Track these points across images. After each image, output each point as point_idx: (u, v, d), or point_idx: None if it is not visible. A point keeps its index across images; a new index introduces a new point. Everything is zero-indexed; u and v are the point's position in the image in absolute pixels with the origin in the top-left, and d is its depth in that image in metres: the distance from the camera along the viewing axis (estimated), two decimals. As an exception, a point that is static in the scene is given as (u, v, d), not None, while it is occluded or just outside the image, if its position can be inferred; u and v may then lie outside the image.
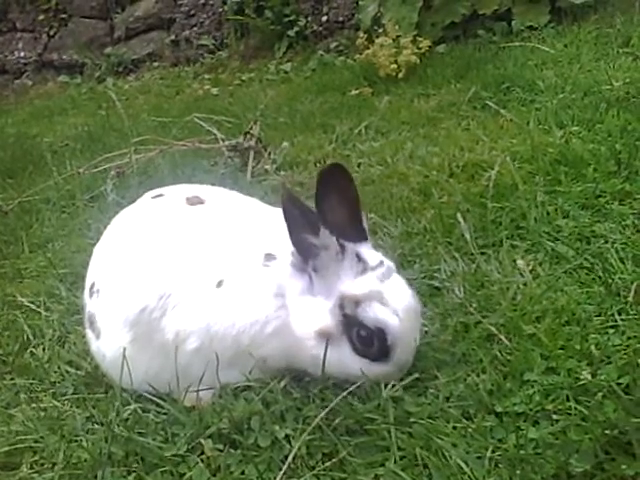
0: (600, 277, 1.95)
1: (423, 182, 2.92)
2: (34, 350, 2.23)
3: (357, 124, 3.95)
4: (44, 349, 2.23)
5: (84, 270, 2.03)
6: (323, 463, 1.50)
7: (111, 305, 1.84)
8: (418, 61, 4.90)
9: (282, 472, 1.47)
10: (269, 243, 1.75)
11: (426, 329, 1.82)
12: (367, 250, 1.69)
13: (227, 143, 3.78)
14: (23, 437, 1.76)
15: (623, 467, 1.30)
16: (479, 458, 1.41)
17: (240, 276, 1.72)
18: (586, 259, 2.06)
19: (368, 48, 5.13)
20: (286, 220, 1.61)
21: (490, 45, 5.09)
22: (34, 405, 1.91)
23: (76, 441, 1.72)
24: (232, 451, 1.57)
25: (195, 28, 7.77)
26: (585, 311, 1.82)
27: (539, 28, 5.08)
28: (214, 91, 6.44)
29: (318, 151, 3.74)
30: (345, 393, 1.59)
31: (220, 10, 7.53)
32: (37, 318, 2.44)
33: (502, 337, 1.77)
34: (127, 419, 1.74)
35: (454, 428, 1.51)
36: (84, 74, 8.31)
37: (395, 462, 1.46)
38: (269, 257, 1.73)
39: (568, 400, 1.51)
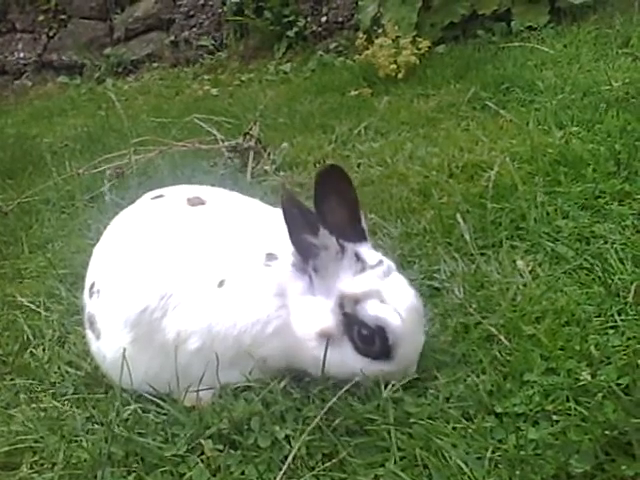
0: (600, 277, 1.95)
1: (423, 183, 2.92)
2: (34, 350, 2.23)
3: (357, 124, 3.95)
4: (44, 349, 2.23)
5: (84, 270, 2.03)
6: (323, 463, 1.50)
7: (111, 305, 1.84)
8: (417, 61, 4.90)
9: (282, 472, 1.47)
10: (270, 243, 1.75)
11: (426, 330, 1.82)
12: (366, 250, 1.70)
13: (227, 144, 3.78)
14: (23, 437, 1.76)
15: (623, 468, 1.30)
16: (479, 459, 1.41)
17: (241, 276, 1.73)
18: (586, 260, 2.06)
19: (367, 49, 5.13)
20: (286, 221, 1.61)
21: (489, 45, 5.10)
22: (34, 405, 1.91)
23: (76, 441, 1.72)
24: (232, 451, 1.57)
25: (194, 29, 7.77)
26: (585, 312, 1.82)
27: (538, 28, 5.08)
28: (214, 92, 6.44)
29: (317, 151, 3.74)
30: (342, 391, 1.59)
31: (219, 11, 7.53)
32: (37, 318, 2.44)
33: (502, 338, 1.77)
34: (127, 419, 1.74)
35: (454, 429, 1.51)
36: (84, 75, 8.31)
37: (395, 463, 1.46)
38: (270, 257, 1.73)
39: (568, 401, 1.51)
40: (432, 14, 5.38)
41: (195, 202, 1.92)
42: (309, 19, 6.93)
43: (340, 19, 6.85)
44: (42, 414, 1.86)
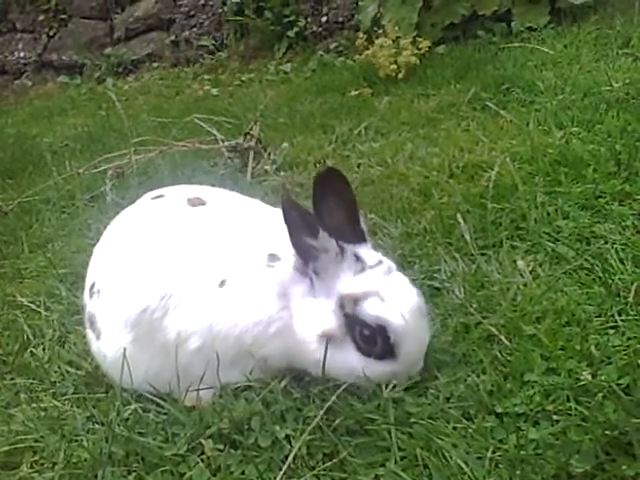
0: (600, 278, 1.95)
1: (423, 183, 2.92)
2: (34, 350, 2.23)
3: (357, 125, 3.95)
4: (44, 349, 2.23)
5: (84, 270, 2.03)
6: (323, 463, 1.50)
7: (112, 305, 1.84)
8: (418, 62, 4.91)
9: (282, 472, 1.48)
10: (273, 244, 1.75)
11: (431, 328, 1.82)
12: (366, 251, 1.70)
13: (227, 144, 3.78)
14: (23, 437, 1.76)
15: (623, 468, 1.30)
16: (479, 458, 1.42)
17: (243, 276, 1.73)
18: (586, 260, 2.06)
19: (368, 49, 5.14)
20: (286, 223, 1.61)
21: (490, 46, 5.10)
22: (34, 405, 1.91)
23: (76, 441, 1.72)
24: (232, 451, 1.58)
25: (195, 29, 7.77)
26: (585, 312, 1.82)
27: (539, 29, 5.08)
28: (214, 92, 6.44)
29: (318, 152, 3.74)
30: (341, 390, 1.59)
31: (220, 11, 7.54)
32: (37, 318, 2.44)
33: (502, 338, 1.77)
34: (127, 419, 1.74)
35: (454, 428, 1.51)
36: (84, 74, 8.31)
37: (395, 462, 1.46)
38: (273, 258, 1.73)
39: (568, 401, 1.51)
40: (432, 14, 5.38)
41: (196, 202, 1.92)
42: (309, 19, 6.94)
43: (340, 19, 6.86)
44: (42, 414, 1.86)
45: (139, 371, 1.78)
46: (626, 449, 1.34)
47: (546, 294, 1.92)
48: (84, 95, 7.63)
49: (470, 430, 1.49)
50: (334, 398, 1.58)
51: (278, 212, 1.66)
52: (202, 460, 1.57)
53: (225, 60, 7.39)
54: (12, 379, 2.10)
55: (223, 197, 2.02)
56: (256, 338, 1.68)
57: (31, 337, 2.31)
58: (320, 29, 6.90)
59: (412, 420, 1.54)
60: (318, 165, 3.53)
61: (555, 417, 1.48)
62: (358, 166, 3.36)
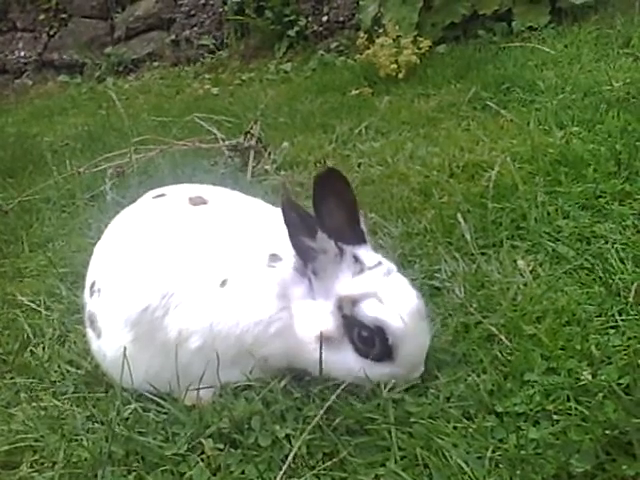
0: (600, 277, 1.95)
1: (423, 182, 2.92)
2: (34, 349, 2.23)
3: (357, 124, 3.95)
4: (44, 348, 2.23)
5: (84, 269, 2.03)
6: (323, 463, 1.50)
7: (113, 304, 1.84)
8: (418, 61, 4.90)
9: (282, 472, 1.47)
10: (274, 244, 1.75)
11: (430, 330, 1.82)
12: (365, 252, 1.70)
13: (227, 143, 3.78)
14: (23, 436, 1.76)
15: (624, 467, 1.30)
16: (479, 458, 1.42)
17: (244, 276, 1.72)
18: (586, 259, 2.06)
19: (368, 48, 5.13)
20: (286, 224, 1.61)
21: (490, 45, 5.10)
22: (34, 404, 1.91)
23: (76, 440, 1.72)
24: (232, 450, 1.58)
25: (195, 28, 7.77)
26: (585, 311, 1.82)
27: (539, 28, 5.08)
28: (214, 91, 6.43)
29: (318, 151, 3.74)
30: (340, 389, 1.59)
31: (220, 10, 7.53)
32: (37, 317, 2.44)
33: (502, 337, 1.77)
34: (127, 418, 1.74)
35: (455, 428, 1.51)
36: (84, 74, 8.31)
37: (395, 462, 1.46)
38: (274, 258, 1.73)
39: (569, 400, 1.51)
40: (433, 14, 5.38)
41: (197, 201, 1.92)
42: (310, 18, 6.94)
43: (341, 19, 6.86)
44: (42, 413, 1.86)
45: (139, 370, 1.78)
46: (626, 449, 1.34)
47: (546, 294, 1.92)
48: (84, 94, 7.63)
49: (470, 430, 1.49)
50: (334, 398, 1.58)
51: (280, 212, 1.66)
52: (202, 459, 1.57)
53: (225, 59, 7.38)
54: (12, 378, 2.10)
55: (225, 196, 2.02)
56: (257, 338, 1.68)
57: (31, 336, 2.31)
58: (321, 28, 6.90)
59: (412, 420, 1.54)
60: (318, 165, 3.53)
61: (555, 417, 1.48)
62: (358, 165, 3.36)
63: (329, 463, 1.49)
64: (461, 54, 5.06)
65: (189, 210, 1.90)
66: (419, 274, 2.17)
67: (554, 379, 1.58)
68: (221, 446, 1.59)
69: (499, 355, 1.72)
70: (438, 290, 2.10)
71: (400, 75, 4.86)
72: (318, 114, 4.57)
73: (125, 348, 1.76)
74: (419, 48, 4.96)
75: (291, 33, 6.90)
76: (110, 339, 1.84)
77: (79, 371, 2.04)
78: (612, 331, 1.73)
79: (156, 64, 7.97)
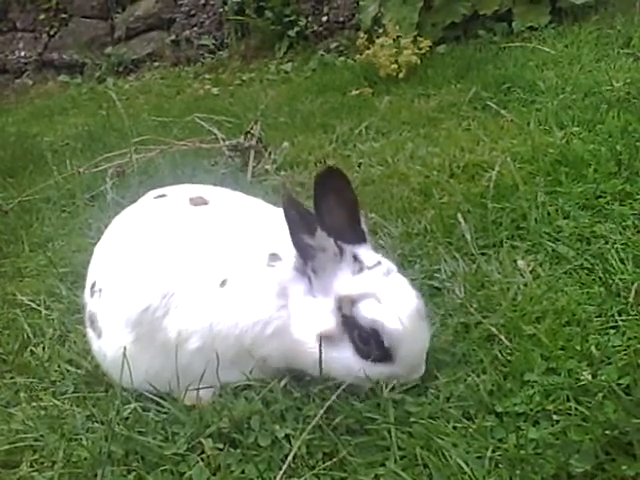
0: (600, 278, 1.95)
1: (424, 182, 2.92)
2: (34, 349, 2.23)
3: (357, 124, 3.95)
4: (44, 348, 2.23)
5: (84, 269, 2.03)
6: (323, 462, 1.50)
7: (113, 304, 1.84)
8: (418, 61, 4.90)
9: (282, 471, 1.47)
10: (274, 244, 1.75)
11: (430, 330, 1.82)
12: (365, 251, 1.69)
13: (228, 143, 3.78)
14: (23, 436, 1.76)
15: (623, 467, 1.30)
16: (479, 458, 1.42)
17: (244, 276, 1.72)
18: (586, 260, 2.06)
19: (368, 48, 5.13)
20: (286, 223, 1.61)
21: (490, 45, 5.10)
22: (34, 404, 1.91)
23: (76, 440, 1.72)
24: (232, 450, 1.57)
25: (195, 28, 7.77)
26: (585, 312, 1.82)
27: (540, 28, 5.08)
28: (215, 91, 6.43)
29: (318, 151, 3.74)
30: (340, 389, 1.59)
31: (220, 10, 7.53)
32: (37, 317, 2.44)
33: (502, 337, 1.77)
34: (127, 418, 1.74)
35: (454, 428, 1.51)
36: (84, 74, 8.31)
37: (395, 462, 1.46)
38: (274, 257, 1.73)
39: (568, 400, 1.51)
40: (433, 14, 5.38)
41: (198, 202, 1.92)
42: (310, 19, 6.93)
43: (341, 19, 6.86)
44: (42, 412, 1.86)
45: (139, 370, 1.78)
46: (626, 449, 1.34)
47: (546, 294, 1.92)
48: (85, 94, 7.63)
49: (470, 430, 1.49)
50: (334, 397, 1.58)
51: (280, 212, 1.66)
52: (202, 459, 1.57)
53: (226, 59, 7.38)
54: (12, 378, 2.10)
55: (225, 196, 2.02)
56: (255, 338, 1.68)
57: (31, 336, 2.31)
58: (321, 29, 6.90)
59: (412, 419, 1.54)
60: (319, 164, 3.53)
61: (555, 417, 1.48)
62: (359, 165, 3.36)
63: (329, 463, 1.49)
64: (461, 54, 5.06)
65: (190, 210, 1.90)
66: (419, 274, 2.17)
67: (554, 379, 1.58)
68: (221, 446, 1.59)
69: (499, 355, 1.72)
70: (438, 290, 2.10)
71: (400, 75, 4.86)
72: (318, 114, 4.57)
73: (125, 348, 1.76)
74: (419, 48, 4.95)
75: (291, 33, 6.90)
76: (110, 339, 1.84)
77: (79, 371, 2.04)
78: (612, 331, 1.73)
79: (156, 64, 7.97)
